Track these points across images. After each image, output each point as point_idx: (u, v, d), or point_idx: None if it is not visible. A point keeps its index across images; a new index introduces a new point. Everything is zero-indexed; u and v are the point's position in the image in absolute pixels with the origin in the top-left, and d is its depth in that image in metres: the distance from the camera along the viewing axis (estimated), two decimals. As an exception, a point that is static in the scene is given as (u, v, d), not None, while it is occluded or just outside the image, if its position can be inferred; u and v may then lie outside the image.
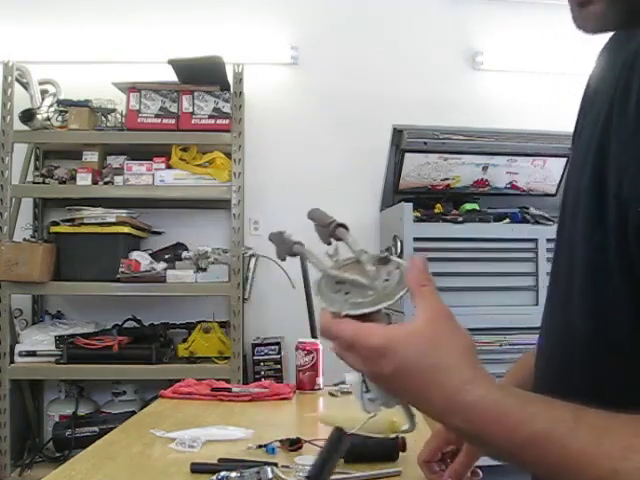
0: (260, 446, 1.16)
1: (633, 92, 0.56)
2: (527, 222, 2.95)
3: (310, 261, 0.68)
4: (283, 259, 0.74)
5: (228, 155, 3.01)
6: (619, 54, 0.65)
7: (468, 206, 3.02)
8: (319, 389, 1.73)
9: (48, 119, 3.01)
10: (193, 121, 2.99)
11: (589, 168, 0.63)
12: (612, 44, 0.71)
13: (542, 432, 0.52)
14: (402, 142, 3.00)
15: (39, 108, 3.00)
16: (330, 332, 0.60)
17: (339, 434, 0.81)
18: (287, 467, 1.02)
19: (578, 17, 0.59)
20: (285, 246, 0.74)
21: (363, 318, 0.59)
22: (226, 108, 2.99)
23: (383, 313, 0.60)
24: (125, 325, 3.08)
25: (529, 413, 0.53)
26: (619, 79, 0.61)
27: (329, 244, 0.68)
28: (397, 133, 3.00)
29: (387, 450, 1.10)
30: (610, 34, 0.71)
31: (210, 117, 2.99)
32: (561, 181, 3.19)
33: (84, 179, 2.96)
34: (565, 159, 3.09)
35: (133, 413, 2.66)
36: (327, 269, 0.65)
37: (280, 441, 1.18)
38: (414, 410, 0.65)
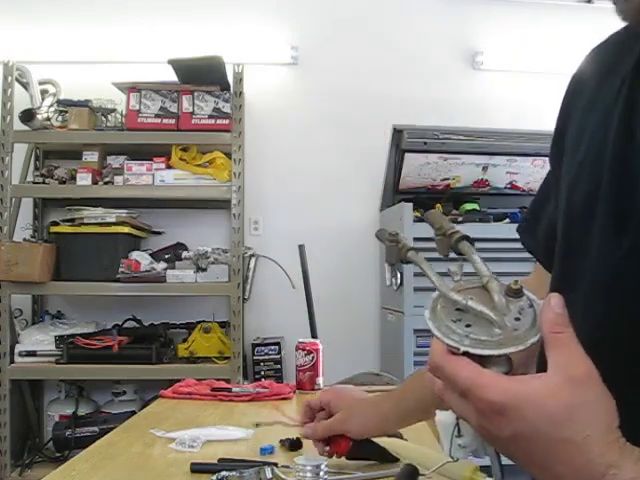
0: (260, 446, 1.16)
1: None
2: (527, 222, 2.94)
3: (426, 274, 0.58)
4: (392, 264, 0.65)
5: (228, 155, 3.01)
6: (620, 55, 0.66)
7: (468, 206, 3.02)
8: (319, 389, 1.73)
9: (48, 119, 3.01)
10: (193, 121, 2.99)
11: (605, 172, 0.62)
12: (608, 47, 0.71)
13: None
14: (402, 142, 3.00)
15: (39, 108, 3.00)
16: (443, 371, 0.51)
17: (411, 470, 0.76)
18: (287, 467, 1.02)
19: (624, 9, 0.59)
20: (398, 250, 0.65)
21: (482, 359, 0.50)
22: (226, 108, 2.99)
23: (505, 358, 0.51)
24: (125, 325, 3.08)
25: None
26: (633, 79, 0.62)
27: (446, 256, 0.59)
28: (397, 133, 3.00)
29: (387, 450, 1.10)
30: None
31: (210, 117, 2.99)
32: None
33: (84, 179, 2.96)
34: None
35: (133, 413, 2.66)
36: (448, 291, 0.56)
37: (280, 441, 1.18)
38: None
